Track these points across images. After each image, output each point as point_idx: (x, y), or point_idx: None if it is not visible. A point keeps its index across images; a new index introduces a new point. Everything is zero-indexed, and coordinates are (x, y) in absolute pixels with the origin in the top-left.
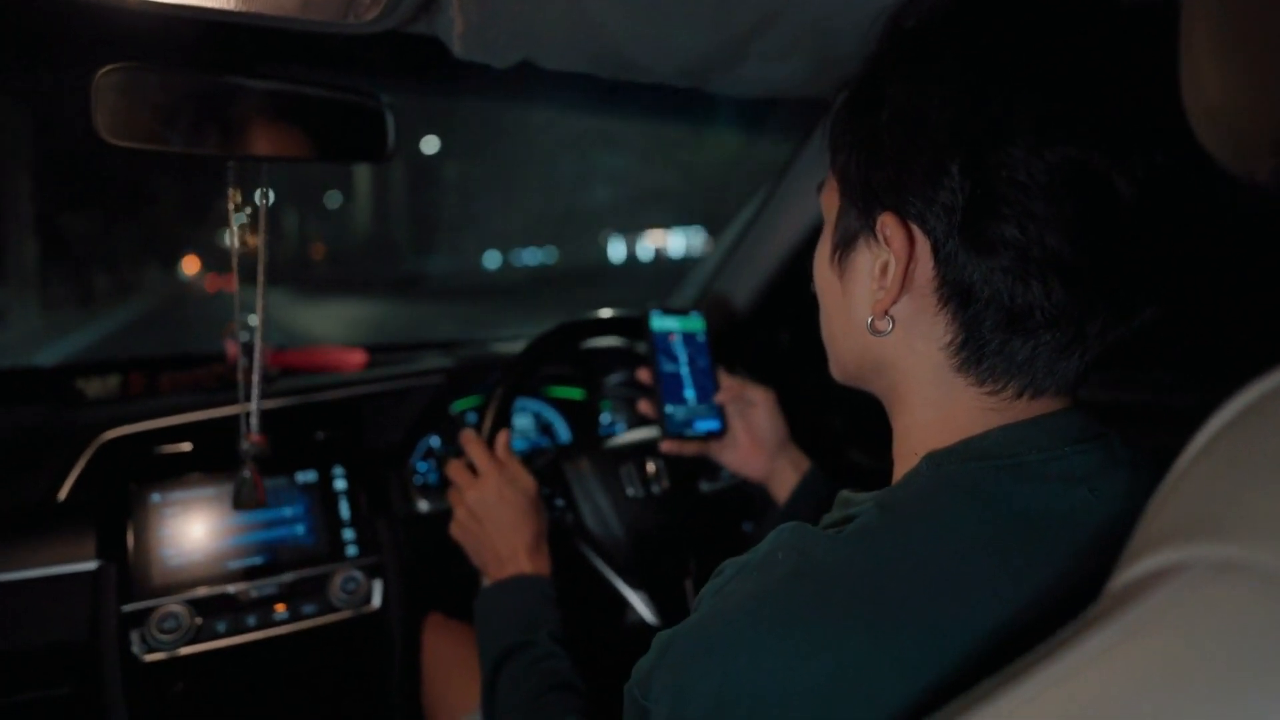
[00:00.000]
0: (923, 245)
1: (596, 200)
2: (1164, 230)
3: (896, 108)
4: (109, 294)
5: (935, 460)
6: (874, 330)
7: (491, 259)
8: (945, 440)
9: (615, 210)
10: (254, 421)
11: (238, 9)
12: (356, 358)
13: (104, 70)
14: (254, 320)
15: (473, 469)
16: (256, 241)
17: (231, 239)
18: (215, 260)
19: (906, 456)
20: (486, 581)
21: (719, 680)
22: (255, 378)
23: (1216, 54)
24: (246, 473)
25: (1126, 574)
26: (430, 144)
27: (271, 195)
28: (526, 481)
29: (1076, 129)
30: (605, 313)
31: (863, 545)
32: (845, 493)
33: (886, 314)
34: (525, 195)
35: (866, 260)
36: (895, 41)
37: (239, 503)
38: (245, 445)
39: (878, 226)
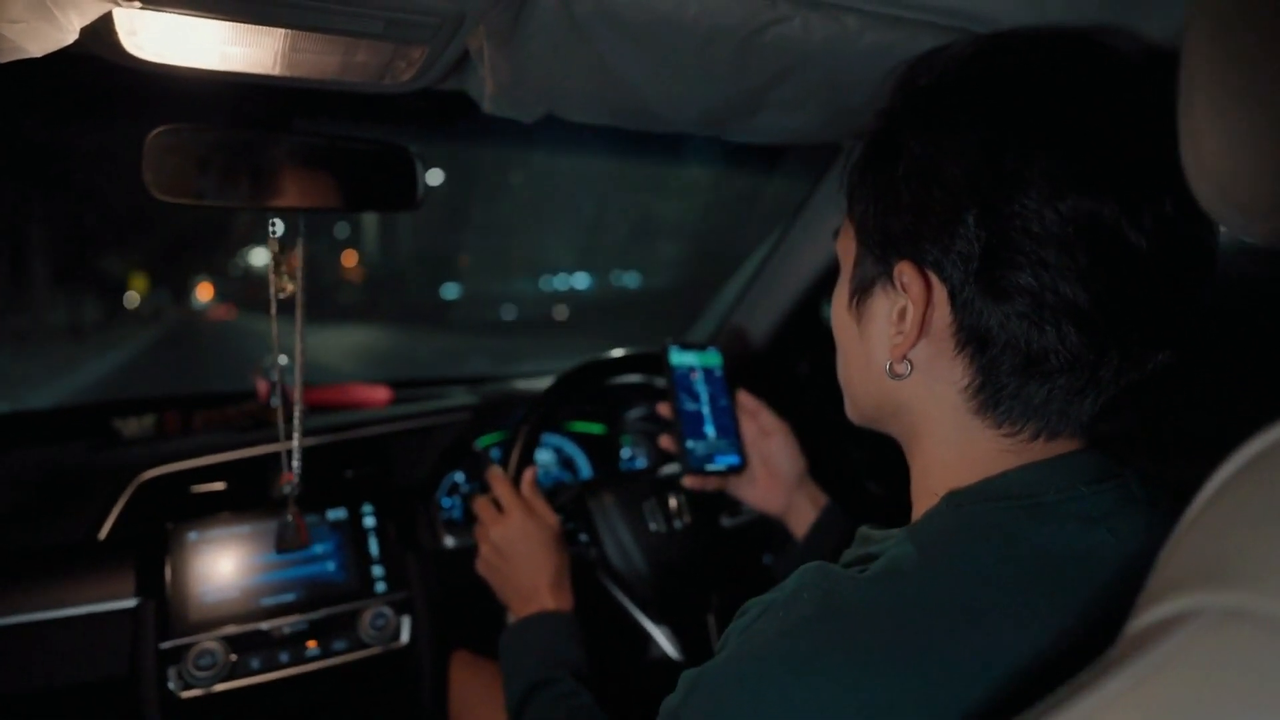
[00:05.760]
0: (940, 292)
1: None
2: (1175, 278)
3: (913, 160)
4: (114, 324)
5: (956, 500)
6: (893, 374)
7: None
8: (965, 480)
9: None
10: (296, 461)
11: (283, 73)
12: (381, 395)
13: (154, 132)
14: (284, 359)
15: (498, 505)
16: (294, 289)
17: (271, 287)
18: (230, 287)
19: (926, 495)
20: (512, 618)
21: (749, 716)
22: (297, 418)
23: (1215, 118)
24: (289, 516)
25: (1141, 619)
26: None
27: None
28: (549, 518)
29: (1087, 182)
30: (624, 350)
31: (887, 585)
32: (865, 529)
33: (905, 358)
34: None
35: (884, 306)
36: (910, 97)
37: (283, 546)
38: (287, 488)
39: (895, 273)
